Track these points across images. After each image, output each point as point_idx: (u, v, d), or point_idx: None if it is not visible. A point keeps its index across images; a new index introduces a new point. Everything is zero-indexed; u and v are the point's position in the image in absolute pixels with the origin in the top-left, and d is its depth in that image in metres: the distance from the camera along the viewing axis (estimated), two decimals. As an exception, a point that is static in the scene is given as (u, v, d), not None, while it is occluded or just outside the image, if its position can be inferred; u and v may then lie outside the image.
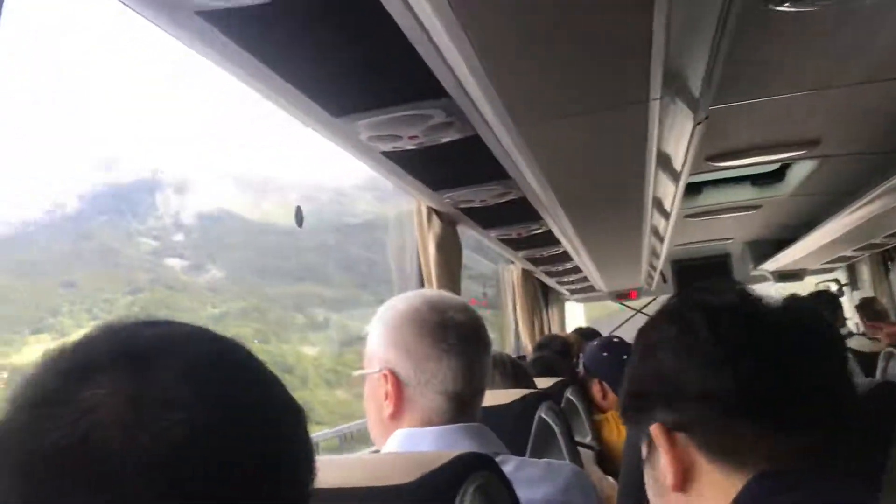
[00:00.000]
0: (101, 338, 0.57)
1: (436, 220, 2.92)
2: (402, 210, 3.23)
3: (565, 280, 5.80)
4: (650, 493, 0.87)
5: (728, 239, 6.15)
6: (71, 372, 0.54)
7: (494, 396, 1.69)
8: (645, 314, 6.97)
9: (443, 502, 0.88)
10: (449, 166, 2.34)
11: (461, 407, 1.32)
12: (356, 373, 1.38)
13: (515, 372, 2.45)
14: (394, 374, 1.31)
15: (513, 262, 5.08)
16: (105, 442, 0.50)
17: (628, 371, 0.91)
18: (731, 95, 2.27)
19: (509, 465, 1.28)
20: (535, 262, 4.73)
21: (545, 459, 1.47)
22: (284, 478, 0.58)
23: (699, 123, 2.12)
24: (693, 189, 4.13)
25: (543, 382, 2.49)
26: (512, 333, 5.41)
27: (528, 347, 5.08)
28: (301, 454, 0.61)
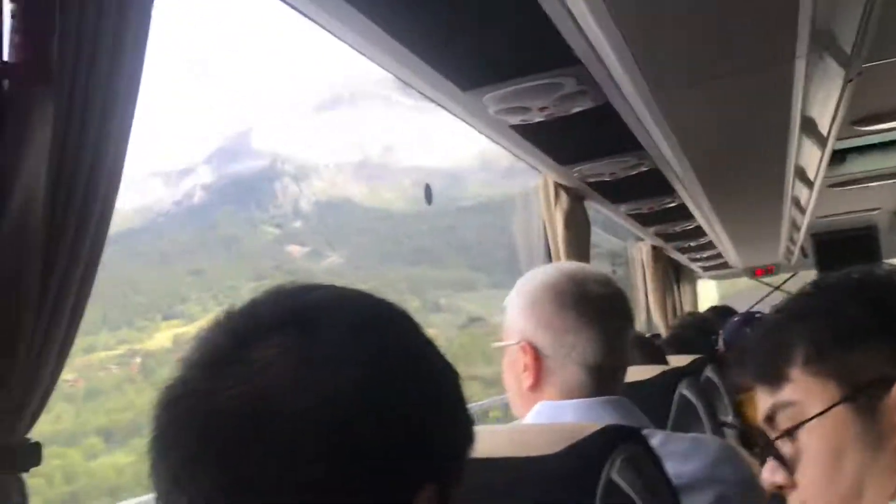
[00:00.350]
0: (267, 300, 0.58)
1: (563, 196, 2.88)
2: (527, 188, 3.21)
3: (698, 256, 5.63)
4: (849, 441, 0.82)
5: (874, 209, 5.76)
6: (242, 333, 0.55)
7: (633, 373, 1.66)
8: (784, 291, 6.66)
9: (589, 473, 0.87)
10: (578, 138, 2.30)
11: (602, 380, 1.29)
12: (495, 345, 1.37)
13: (652, 351, 2.40)
14: (532, 345, 1.29)
15: (642, 239, 4.96)
16: (277, 400, 0.51)
17: (827, 309, 0.87)
18: (886, 51, 2.11)
19: (655, 439, 1.25)
20: (666, 237, 4.60)
21: (691, 434, 1.42)
22: (443, 438, 0.58)
23: (850, 81, 1.98)
24: (837, 156, 3.88)
25: (679, 360, 2.41)
26: (643, 312, 5.29)
27: (660, 326, 4.96)
28: (460, 416, 0.60)
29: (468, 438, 0.61)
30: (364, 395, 0.53)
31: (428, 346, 0.61)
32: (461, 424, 0.61)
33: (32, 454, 0.92)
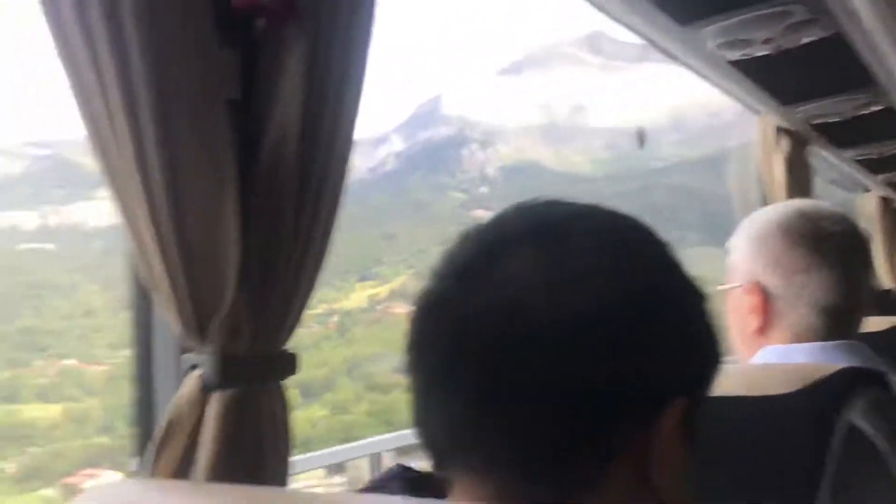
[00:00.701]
0: (515, 215, 0.59)
1: (784, 140, 2.69)
2: (744, 142, 3.05)
3: (933, 209, 5.07)
4: None
5: None
6: (492, 245, 0.56)
7: (869, 324, 1.55)
8: None
9: (827, 415, 0.83)
10: (804, 74, 2.14)
11: (835, 323, 1.21)
12: (720, 287, 1.32)
13: (887, 304, 2.23)
14: (760, 286, 1.23)
15: (869, 190, 4.54)
16: (527, 309, 0.52)
17: None
18: None
19: (900, 386, 1.16)
20: (896, 187, 4.20)
21: (942, 382, 1.30)
22: (691, 352, 0.57)
23: None
24: None
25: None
26: (869, 269, 4.85)
27: (889, 284, 4.54)
28: (706, 333, 0.59)
29: (715, 356, 0.60)
30: (612, 310, 0.52)
31: (674, 262, 0.59)
32: (708, 342, 0.59)
33: (291, 363, 1.02)
